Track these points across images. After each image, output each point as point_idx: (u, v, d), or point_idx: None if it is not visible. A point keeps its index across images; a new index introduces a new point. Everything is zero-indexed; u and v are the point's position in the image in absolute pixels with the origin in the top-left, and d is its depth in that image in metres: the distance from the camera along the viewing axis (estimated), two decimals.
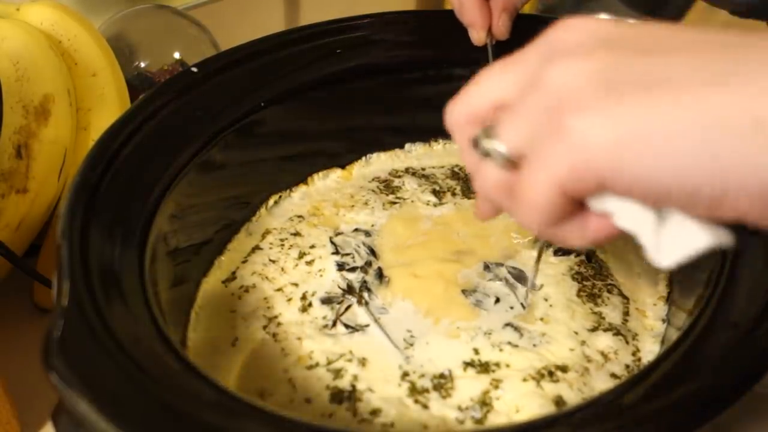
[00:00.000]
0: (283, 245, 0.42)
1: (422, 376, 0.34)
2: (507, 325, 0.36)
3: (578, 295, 0.38)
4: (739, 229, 0.21)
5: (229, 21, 0.66)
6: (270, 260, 0.41)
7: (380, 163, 0.49)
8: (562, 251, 0.41)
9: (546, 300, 0.38)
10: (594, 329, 0.36)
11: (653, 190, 0.20)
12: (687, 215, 0.21)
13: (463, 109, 0.26)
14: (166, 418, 0.25)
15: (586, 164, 0.21)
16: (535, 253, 0.38)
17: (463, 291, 0.38)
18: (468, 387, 0.33)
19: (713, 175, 0.19)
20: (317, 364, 0.35)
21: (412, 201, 0.45)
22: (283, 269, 0.40)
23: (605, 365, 0.34)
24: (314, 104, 0.45)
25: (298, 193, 0.46)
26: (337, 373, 0.34)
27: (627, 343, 0.36)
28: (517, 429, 0.26)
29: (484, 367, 0.34)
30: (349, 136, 0.48)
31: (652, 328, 0.37)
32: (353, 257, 0.41)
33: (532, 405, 0.32)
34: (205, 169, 0.40)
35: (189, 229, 0.39)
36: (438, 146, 0.50)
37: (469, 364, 0.34)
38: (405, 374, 0.34)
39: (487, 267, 0.40)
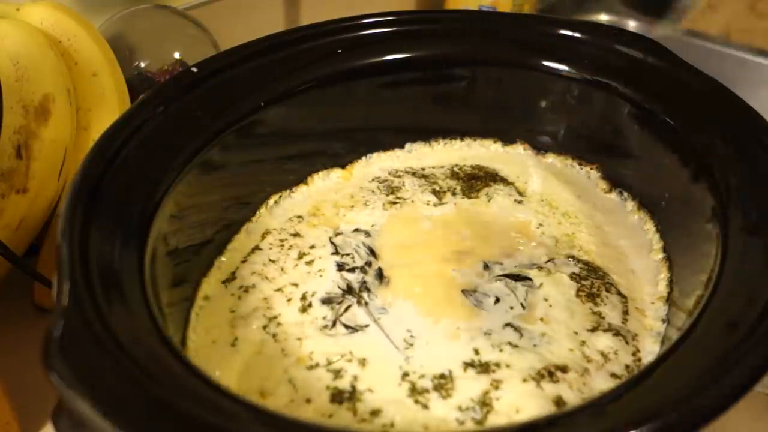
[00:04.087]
0: (282, 245, 0.42)
1: (422, 376, 0.34)
2: (507, 325, 0.36)
3: (577, 295, 0.38)
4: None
5: (229, 21, 0.66)
6: (270, 260, 0.41)
7: (380, 163, 0.49)
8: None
9: (546, 300, 0.38)
10: (594, 329, 0.36)
11: None
12: None
13: None
14: (166, 418, 0.25)
15: None
16: None
17: (463, 291, 0.38)
18: (468, 387, 0.33)
19: None
20: (317, 365, 0.35)
21: (412, 201, 0.45)
22: (282, 269, 0.40)
23: (605, 365, 0.34)
24: (314, 104, 0.45)
25: (298, 193, 0.46)
26: (337, 374, 0.34)
27: (627, 343, 0.36)
28: (517, 429, 0.26)
29: (484, 368, 0.34)
30: (349, 136, 0.48)
31: (652, 328, 0.37)
32: (353, 257, 0.41)
33: (532, 405, 0.32)
34: (205, 169, 0.40)
35: (189, 229, 0.39)
36: (438, 146, 0.50)
37: (469, 365, 0.34)
38: (405, 374, 0.34)
39: (487, 267, 0.40)
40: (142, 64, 0.55)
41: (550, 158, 0.49)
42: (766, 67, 0.72)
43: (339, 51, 0.46)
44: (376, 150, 0.49)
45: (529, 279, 0.39)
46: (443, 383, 0.33)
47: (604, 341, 0.35)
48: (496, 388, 0.33)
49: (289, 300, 0.38)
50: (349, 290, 0.39)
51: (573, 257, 0.41)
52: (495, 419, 0.32)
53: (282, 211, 0.45)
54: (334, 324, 0.37)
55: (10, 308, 0.44)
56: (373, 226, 0.43)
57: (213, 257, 0.41)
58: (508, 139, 0.50)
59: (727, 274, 0.31)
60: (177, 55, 0.56)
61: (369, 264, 0.40)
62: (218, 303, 0.39)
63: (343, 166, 0.48)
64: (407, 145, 0.50)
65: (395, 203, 0.45)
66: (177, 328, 0.36)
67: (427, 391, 0.33)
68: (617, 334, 0.36)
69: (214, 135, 0.40)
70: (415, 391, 0.33)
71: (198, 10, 0.64)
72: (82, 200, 0.33)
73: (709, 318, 0.29)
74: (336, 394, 0.33)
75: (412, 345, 0.35)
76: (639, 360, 0.35)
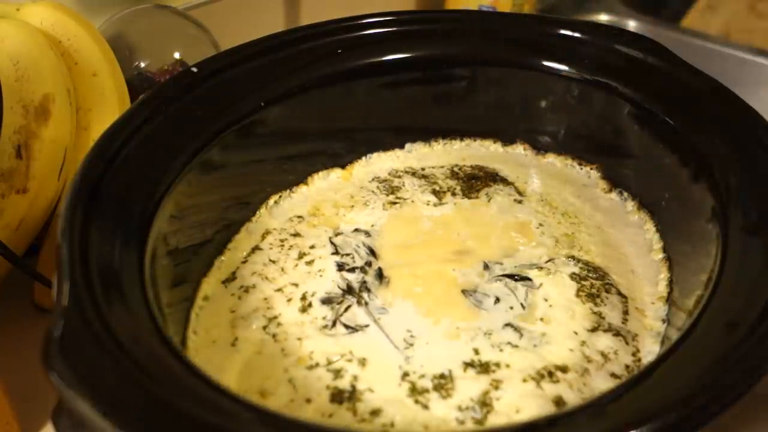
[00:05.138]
0: (283, 245, 0.42)
1: (422, 376, 0.34)
2: (507, 325, 0.36)
3: (577, 295, 0.38)
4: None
5: (229, 21, 0.66)
6: (270, 260, 0.41)
7: (380, 163, 0.49)
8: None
9: (546, 300, 0.38)
10: (594, 329, 0.36)
11: None
12: None
13: None
14: (166, 418, 0.25)
15: None
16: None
17: (463, 291, 0.38)
18: (468, 387, 0.33)
19: None
20: (317, 364, 0.35)
21: (412, 201, 0.45)
22: (283, 269, 0.40)
23: (605, 365, 0.34)
24: (314, 104, 0.45)
25: (298, 193, 0.46)
26: (337, 373, 0.34)
27: (627, 343, 0.36)
28: (517, 429, 0.26)
29: (484, 368, 0.34)
30: (349, 136, 0.48)
31: (652, 328, 0.37)
32: (353, 257, 0.41)
33: (532, 405, 0.32)
34: (205, 169, 0.40)
35: (189, 229, 0.39)
36: (438, 146, 0.50)
37: (469, 365, 0.34)
38: (405, 374, 0.34)
39: (487, 267, 0.40)
40: (142, 64, 0.55)
41: (550, 158, 0.49)
42: (766, 67, 0.72)
43: (339, 51, 0.46)
44: (376, 150, 0.49)
45: (529, 279, 0.39)
46: (443, 383, 0.33)
47: (604, 341, 0.35)
48: (496, 388, 0.33)
49: (289, 300, 0.38)
50: (349, 290, 0.39)
51: (573, 257, 0.41)
52: (495, 419, 0.32)
53: (282, 211, 0.45)
54: (334, 324, 0.37)
55: (10, 308, 0.44)
56: (373, 226, 0.43)
57: (213, 257, 0.41)
58: (508, 139, 0.50)
59: (727, 274, 0.31)
60: (177, 55, 0.56)
61: (369, 264, 0.40)
62: (218, 303, 0.39)
63: (343, 166, 0.48)
64: (407, 145, 0.50)
65: (395, 203, 0.45)
66: (177, 328, 0.36)
67: (427, 391, 0.33)
68: (617, 334, 0.36)
69: (214, 135, 0.40)
70: (415, 391, 0.33)
71: (198, 10, 0.64)
72: (82, 200, 0.33)
73: (709, 318, 0.29)
74: (336, 394, 0.33)
75: (412, 345, 0.35)
76: (639, 360, 0.35)
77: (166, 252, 0.36)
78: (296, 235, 0.43)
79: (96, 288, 0.29)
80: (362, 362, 0.35)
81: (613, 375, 0.34)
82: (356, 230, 0.43)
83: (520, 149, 0.50)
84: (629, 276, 0.40)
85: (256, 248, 0.42)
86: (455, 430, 0.31)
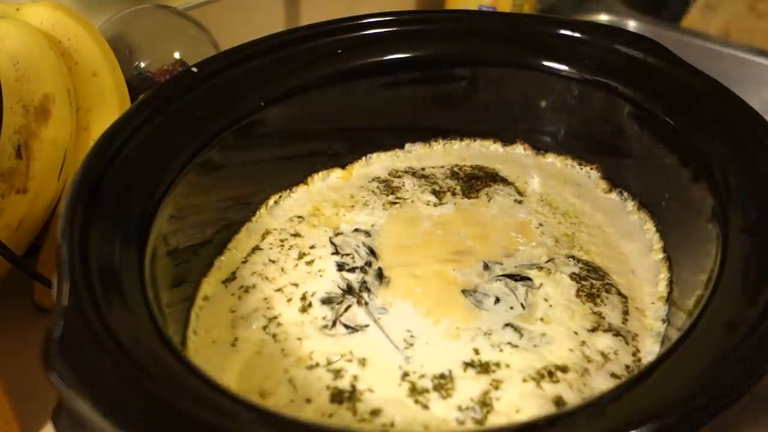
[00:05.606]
0: (283, 245, 0.42)
1: (422, 376, 0.34)
2: (507, 325, 0.36)
3: (577, 295, 0.38)
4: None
5: (229, 21, 0.66)
6: (270, 260, 0.41)
7: (380, 163, 0.49)
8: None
9: (546, 300, 0.38)
10: (594, 329, 0.36)
11: None
12: None
13: None
14: (166, 418, 0.25)
15: None
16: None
17: (463, 291, 0.38)
18: (468, 387, 0.33)
19: None
20: (317, 364, 0.35)
21: (412, 201, 0.45)
22: (283, 269, 0.40)
23: (605, 365, 0.34)
24: (314, 104, 0.45)
25: (298, 193, 0.46)
26: (337, 373, 0.34)
27: (627, 343, 0.36)
28: (517, 429, 0.26)
29: (484, 368, 0.34)
30: (349, 136, 0.48)
31: (652, 328, 0.37)
32: (353, 257, 0.41)
33: (532, 405, 0.32)
34: (205, 169, 0.40)
35: (189, 229, 0.39)
36: (438, 146, 0.50)
37: (469, 365, 0.34)
38: (405, 374, 0.34)
39: (487, 267, 0.40)
40: (142, 64, 0.55)
41: (550, 158, 0.49)
42: (766, 67, 0.72)
43: (339, 51, 0.46)
44: (376, 150, 0.49)
45: (529, 279, 0.39)
46: (443, 383, 0.33)
47: (604, 341, 0.35)
48: (496, 388, 0.33)
49: (289, 300, 0.38)
50: (349, 290, 0.39)
51: (573, 257, 0.41)
52: (495, 419, 0.32)
53: (282, 211, 0.45)
54: (334, 324, 0.37)
55: (10, 308, 0.44)
56: (373, 226, 0.43)
57: (213, 257, 0.41)
58: (508, 139, 0.50)
59: (727, 274, 0.31)
60: (177, 55, 0.56)
61: (369, 264, 0.40)
62: (218, 303, 0.39)
63: (343, 166, 0.48)
64: (407, 145, 0.50)
65: (395, 203, 0.45)
66: (177, 328, 0.36)
67: (427, 391, 0.33)
68: (617, 334, 0.36)
69: (214, 135, 0.40)
70: (415, 391, 0.33)
71: (198, 10, 0.64)
72: (82, 200, 0.33)
73: (709, 318, 0.29)
74: (336, 394, 0.33)
75: (412, 345, 0.35)
76: (639, 360, 0.35)
77: (166, 252, 0.36)
78: (296, 235, 0.43)
79: (96, 288, 0.29)
80: (362, 362, 0.35)
81: (613, 375, 0.34)
82: (356, 230, 0.43)
83: (520, 149, 0.50)
84: (629, 276, 0.40)
85: (256, 248, 0.42)
86: (455, 430, 0.31)
